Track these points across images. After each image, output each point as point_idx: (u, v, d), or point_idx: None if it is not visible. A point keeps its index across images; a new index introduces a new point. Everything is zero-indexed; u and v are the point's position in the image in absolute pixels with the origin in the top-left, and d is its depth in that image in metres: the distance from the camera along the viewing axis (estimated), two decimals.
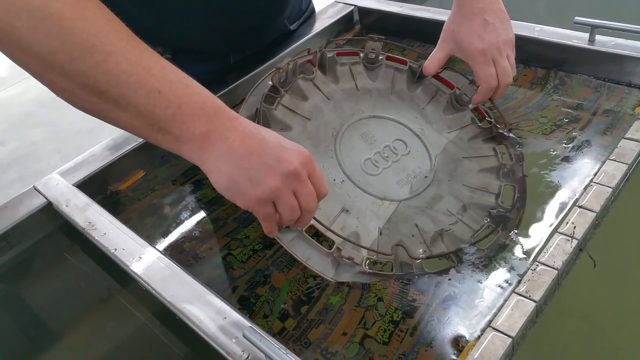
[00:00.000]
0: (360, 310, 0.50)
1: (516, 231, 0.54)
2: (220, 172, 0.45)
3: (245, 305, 0.51)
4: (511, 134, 0.64)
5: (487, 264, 0.51)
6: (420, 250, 0.53)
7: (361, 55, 0.70)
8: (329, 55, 0.67)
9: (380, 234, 0.54)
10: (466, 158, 0.62)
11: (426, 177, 0.59)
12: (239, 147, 0.45)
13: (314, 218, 0.51)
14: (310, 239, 0.52)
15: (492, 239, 0.54)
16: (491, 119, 0.66)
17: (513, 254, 0.52)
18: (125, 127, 0.46)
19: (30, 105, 2.54)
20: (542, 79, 0.75)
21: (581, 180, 0.58)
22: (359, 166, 0.59)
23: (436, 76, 0.70)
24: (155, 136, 0.46)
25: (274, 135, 0.47)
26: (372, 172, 0.59)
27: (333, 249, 0.51)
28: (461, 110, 0.68)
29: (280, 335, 0.48)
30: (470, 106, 0.67)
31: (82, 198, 0.61)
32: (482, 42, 0.63)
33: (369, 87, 0.68)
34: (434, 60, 0.68)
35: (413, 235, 0.54)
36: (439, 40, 0.68)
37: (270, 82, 0.62)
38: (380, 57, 0.70)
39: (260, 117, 0.58)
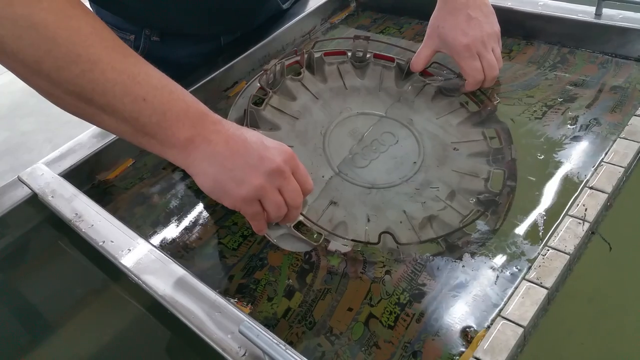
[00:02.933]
0: (367, 280, 0.48)
1: (543, 214, 0.52)
2: (206, 174, 0.46)
3: (245, 293, 0.49)
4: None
5: (494, 248, 0.49)
6: (408, 234, 0.52)
7: (349, 54, 0.70)
8: (317, 55, 0.68)
9: (368, 220, 0.53)
10: (455, 143, 0.61)
11: (415, 162, 0.58)
12: (223, 149, 0.46)
13: (302, 214, 0.51)
14: (298, 234, 0.52)
15: (477, 223, 0.52)
16: (479, 102, 0.65)
17: (521, 238, 0.50)
18: (110, 130, 0.48)
19: (20, 94, 2.50)
20: (542, 56, 0.72)
21: (591, 161, 0.55)
22: (347, 161, 0.59)
23: (424, 72, 0.70)
24: (140, 140, 0.46)
25: (256, 135, 0.48)
26: (361, 165, 0.59)
27: (321, 241, 0.51)
28: (449, 97, 0.67)
29: (285, 318, 0.47)
30: (458, 93, 0.67)
31: (68, 188, 0.58)
32: (467, 37, 0.63)
33: (357, 85, 0.68)
34: (420, 57, 0.68)
35: (401, 222, 0.53)
36: (425, 37, 0.68)
37: (258, 84, 0.63)
38: (368, 56, 0.70)
39: (248, 118, 0.59)
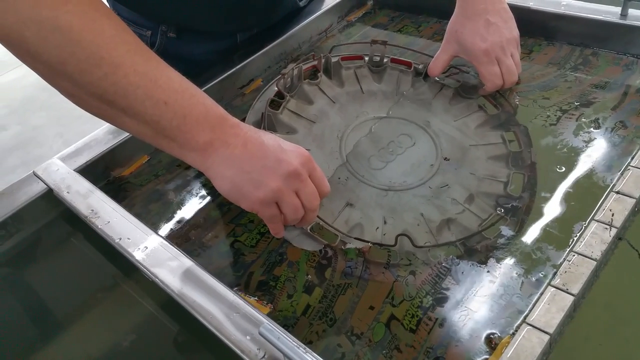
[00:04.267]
0: (390, 277, 0.48)
1: (568, 219, 0.50)
2: (224, 177, 0.47)
3: (265, 290, 0.49)
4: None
5: (518, 254, 0.48)
6: (425, 237, 0.51)
7: (366, 59, 0.70)
8: (334, 60, 0.68)
9: (385, 223, 0.52)
10: (473, 146, 0.60)
11: (432, 165, 0.58)
12: (240, 152, 0.46)
13: (318, 216, 0.51)
14: (315, 235, 0.52)
15: (499, 227, 0.51)
16: (498, 105, 0.64)
17: (546, 243, 0.49)
18: (130, 132, 0.48)
19: (31, 89, 2.51)
20: (563, 58, 0.71)
21: (617, 164, 0.54)
22: (364, 163, 0.59)
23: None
24: (160, 142, 0.47)
25: (273, 138, 0.48)
26: (377, 167, 0.58)
27: (337, 242, 0.51)
28: (468, 99, 0.66)
29: (304, 315, 0.46)
30: (476, 95, 0.66)
31: (83, 184, 0.57)
32: (485, 42, 0.63)
33: (374, 89, 0.68)
34: (438, 61, 0.68)
35: (418, 225, 0.52)
36: (443, 42, 0.68)
37: (276, 88, 0.64)
38: (385, 60, 0.70)
39: (266, 122, 0.60)
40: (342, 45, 0.76)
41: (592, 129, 0.59)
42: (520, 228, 0.50)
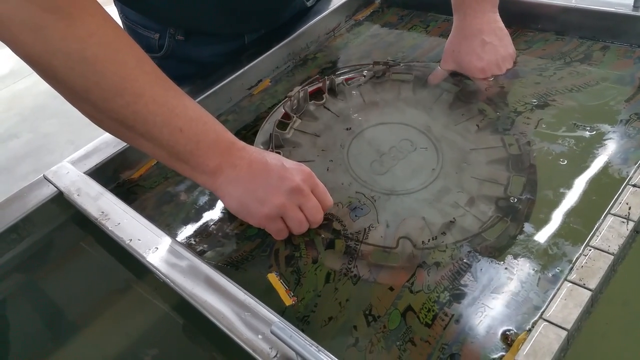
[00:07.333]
0: (417, 258, 0.49)
1: (584, 213, 0.50)
2: (231, 196, 0.50)
3: (293, 264, 0.50)
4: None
5: (535, 250, 0.47)
6: (427, 239, 0.51)
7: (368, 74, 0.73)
8: (338, 81, 0.71)
9: (387, 226, 0.53)
10: (474, 150, 0.60)
11: (433, 169, 0.58)
12: (246, 173, 0.50)
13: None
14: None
15: (500, 229, 0.50)
16: (498, 109, 0.64)
17: (563, 238, 0.48)
18: (146, 152, 0.51)
19: (43, 97, 2.54)
20: (564, 52, 0.70)
21: (633, 157, 0.53)
22: (366, 169, 0.60)
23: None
24: (173, 164, 0.51)
25: (276, 157, 0.52)
26: (380, 172, 0.59)
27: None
28: (468, 104, 0.66)
29: (328, 281, 0.48)
30: (476, 100, 0.67)
31: (94, 187, 0.57)
32: (481, 61, 0.67)
33: (376, 99, 0.70)
34: (437, 79, 0.70)
35: (420, 228, 0.52)
36: (441, 60, 0.71)
37: (283, 110, 0.67)
38: (387, 74, 0.72)
39: (273, 142, 0.63)
40: (346, 67, 0.76)
41: (586, 132, 0.58)
42: (519, 229, 0.50)
